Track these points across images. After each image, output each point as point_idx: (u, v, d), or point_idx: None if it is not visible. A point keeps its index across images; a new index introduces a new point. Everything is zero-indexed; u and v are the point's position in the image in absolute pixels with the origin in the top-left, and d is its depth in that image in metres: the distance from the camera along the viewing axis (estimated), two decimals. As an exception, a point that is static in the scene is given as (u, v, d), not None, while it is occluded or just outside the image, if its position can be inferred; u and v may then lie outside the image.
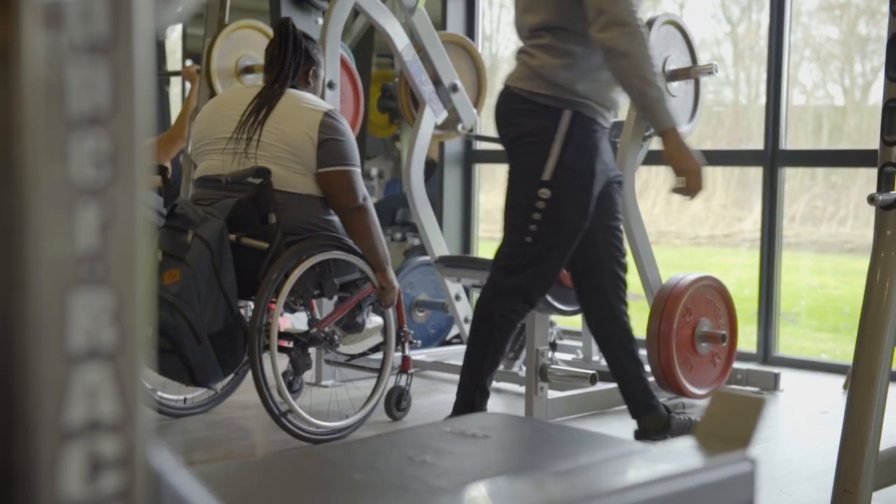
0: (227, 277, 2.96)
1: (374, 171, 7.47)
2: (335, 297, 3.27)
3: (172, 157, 5.36)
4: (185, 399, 3.54)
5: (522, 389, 3.66)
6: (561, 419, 3.49)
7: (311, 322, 3.23)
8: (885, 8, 2.56)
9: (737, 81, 9.78)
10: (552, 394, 3.51)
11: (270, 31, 4.99)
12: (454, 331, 4.72)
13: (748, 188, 9.82)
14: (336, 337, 3.20)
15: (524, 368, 3.57)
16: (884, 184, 2.49)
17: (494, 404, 3.82)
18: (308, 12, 5.39)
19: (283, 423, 3.06)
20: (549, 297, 3.38)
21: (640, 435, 3.12)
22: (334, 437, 3.17)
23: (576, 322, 4.68)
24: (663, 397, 3.82)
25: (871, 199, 2.49)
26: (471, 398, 2.96)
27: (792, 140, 7.14)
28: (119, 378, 0.67)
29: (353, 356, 3.50)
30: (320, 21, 5.00)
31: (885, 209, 2.50)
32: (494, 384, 4.09)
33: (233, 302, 2.99)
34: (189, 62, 6.87)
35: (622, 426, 3.49)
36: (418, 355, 4.24)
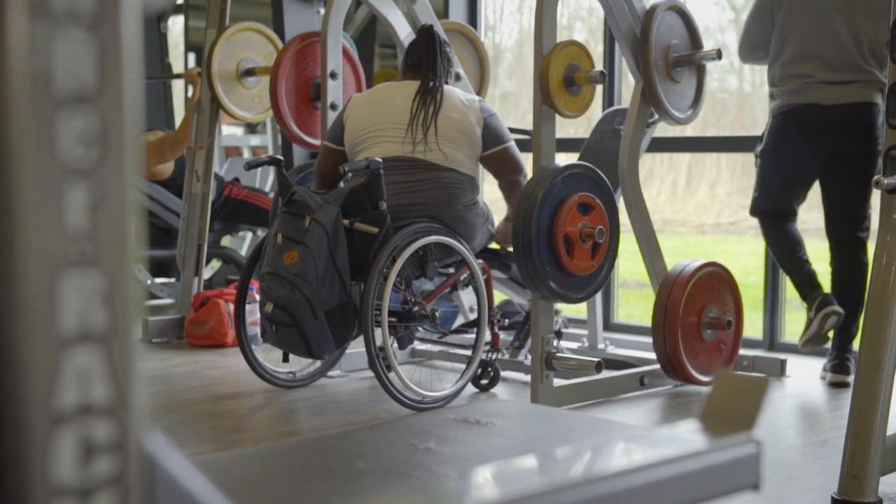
0: (342, 259, 3.27)
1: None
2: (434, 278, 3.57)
3: (176, 157, 5.35)
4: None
5: (528, 378, 3.65)
6: (567, 407, 3.48)
7: (413, 301, 3.45)
8: (890, -10, 2.53)
9: (741, 68, 9.73)
10: (558, 382, 3.50)
11: (271, 34, 4.96)
12: (459, 319, 4.71)
13: (753, 176, 9.78)
14: (437, 314, 3.47)
15: (530, 357, 3.56)
16: (889, 168, 2.47)
17: (500, 393, 3.82)
18: (310, 2, 5.37)
19: (389, 389, 3.29)
20: (553, 285, 3.38)
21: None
22: (434, 406, 3.40)
23: (581, 310, 4.67)
24: (668, 384, 3.82)
25: (877, 183, 2.47)
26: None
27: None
28: (111, 361, 0.66)
29: (444, 333, 3.79)
30: (322, 11, 4.98)
31: (890, 193, 2.48)
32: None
33: (346, 281, 3.29)
34: (192, 64, 6.87)
35: (628, 413, 3.48)
36: (423, 346, 4.24)
